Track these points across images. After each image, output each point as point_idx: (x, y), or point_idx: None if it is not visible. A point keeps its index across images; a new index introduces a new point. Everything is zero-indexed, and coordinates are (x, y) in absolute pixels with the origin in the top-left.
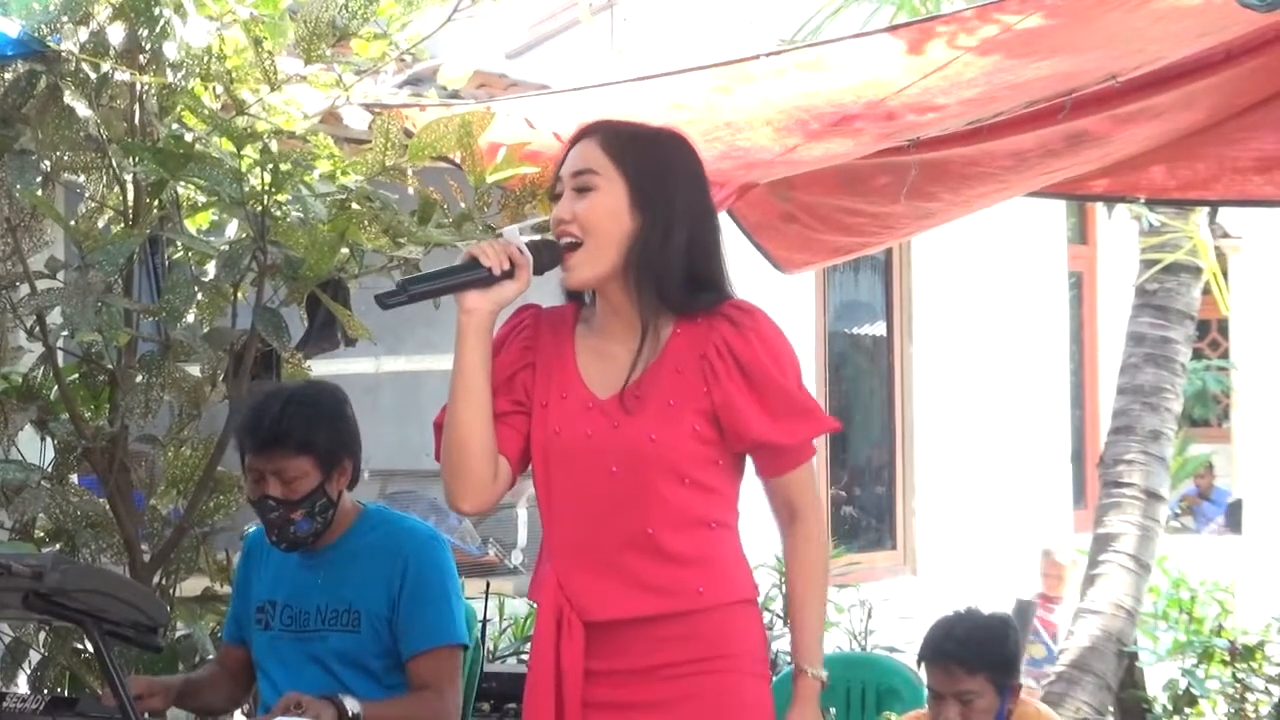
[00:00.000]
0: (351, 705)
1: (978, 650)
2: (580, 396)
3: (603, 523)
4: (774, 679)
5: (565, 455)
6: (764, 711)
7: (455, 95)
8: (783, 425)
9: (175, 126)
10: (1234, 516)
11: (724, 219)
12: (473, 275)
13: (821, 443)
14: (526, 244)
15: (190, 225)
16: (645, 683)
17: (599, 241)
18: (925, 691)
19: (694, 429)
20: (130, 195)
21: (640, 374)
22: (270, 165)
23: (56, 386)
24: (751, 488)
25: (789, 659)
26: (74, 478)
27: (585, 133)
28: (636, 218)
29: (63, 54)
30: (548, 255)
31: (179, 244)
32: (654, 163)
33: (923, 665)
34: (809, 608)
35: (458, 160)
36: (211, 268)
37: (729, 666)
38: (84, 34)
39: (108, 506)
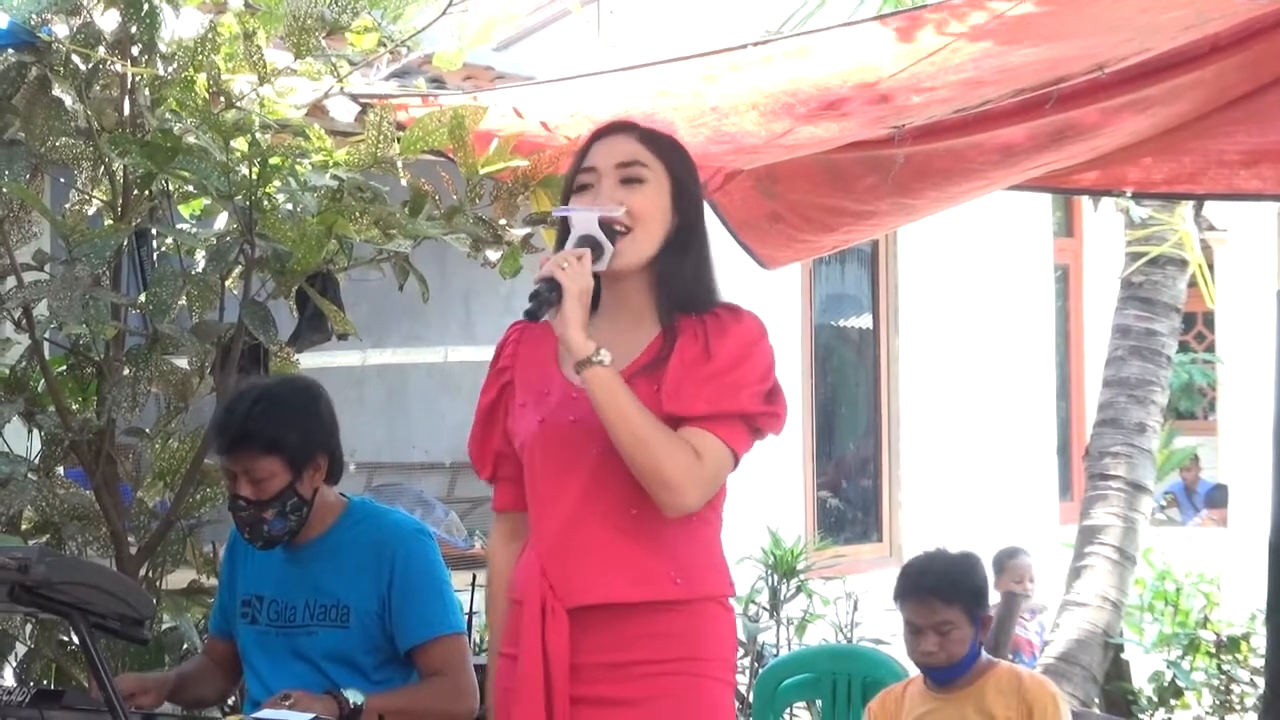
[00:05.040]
0: (354, 697)
1: (953, 582)
2: (562, 387)
3: (587, 506)
4: (761, 671)
5: (550, 442)
6: (725, 718)
7: (441, 85)
8: (687, 396)
9: (168, 117)
10: (1216, 498)
11: (707, 213)
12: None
13: (807, 435)
14: (580, 239)
15: (185, 210)
16: (619, 679)
17: (647, 231)
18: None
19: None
20: (119, 187)
21: (628, 365)
22: (258, 158)
23: (43, 379)
24: (736, 486)
25: (774, 650)
26: (60, 470)
27: (616, 129)
28: (674, 216)
29: (53, 44)
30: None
31: (167, 235)
32: (687, 164)
33: (899, 603)
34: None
35: (449, 152)
36: (200, 259)
37: (698, 670)
38: (75, 24)
39: (94, 499)
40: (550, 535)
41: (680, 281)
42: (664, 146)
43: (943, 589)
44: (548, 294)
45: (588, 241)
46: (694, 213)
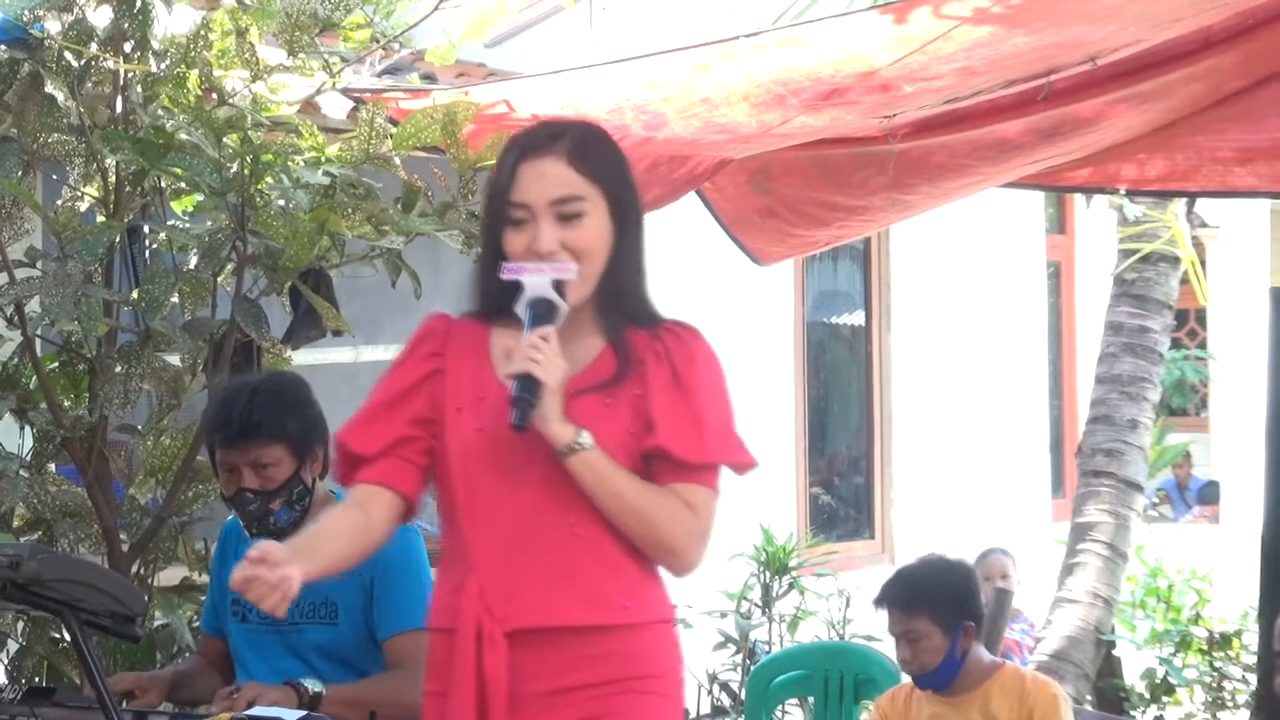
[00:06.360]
0: (312, 685)
1: (917, 591)
2: (498, 391)
3: (530, 524)
4: (753, 668)
5: (490, 454)
6: None
7: (433, 81)
8: (687, 439)
9: (160, 114)
10: (1208, 495)
11: (700, 209)
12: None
13: (800, 432)
14: (531, 301)
15: (177, 207)
16: (560, 705)
17: (592, 263)
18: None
19: (629, 431)
20: (111, 184)
21: (577, 374)
22: (250, 155)
23: (35, 375)
24: (729, 483)
25: (766, 648)
26: (52, 467)
27: (542, 149)
28: (614, 234)
29: (45, 41)
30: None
31: (160, 232)
32: (619, 170)
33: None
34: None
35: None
36: (193, 256)
37: (645, 688)
38: (67, 21)
39: (86, 496)
40: (491, 554)
41: (624, 295)
42: (596, 163)
43: (905, 599)
44: (529, 397)
45: (543, 306)
46: (634, 223)
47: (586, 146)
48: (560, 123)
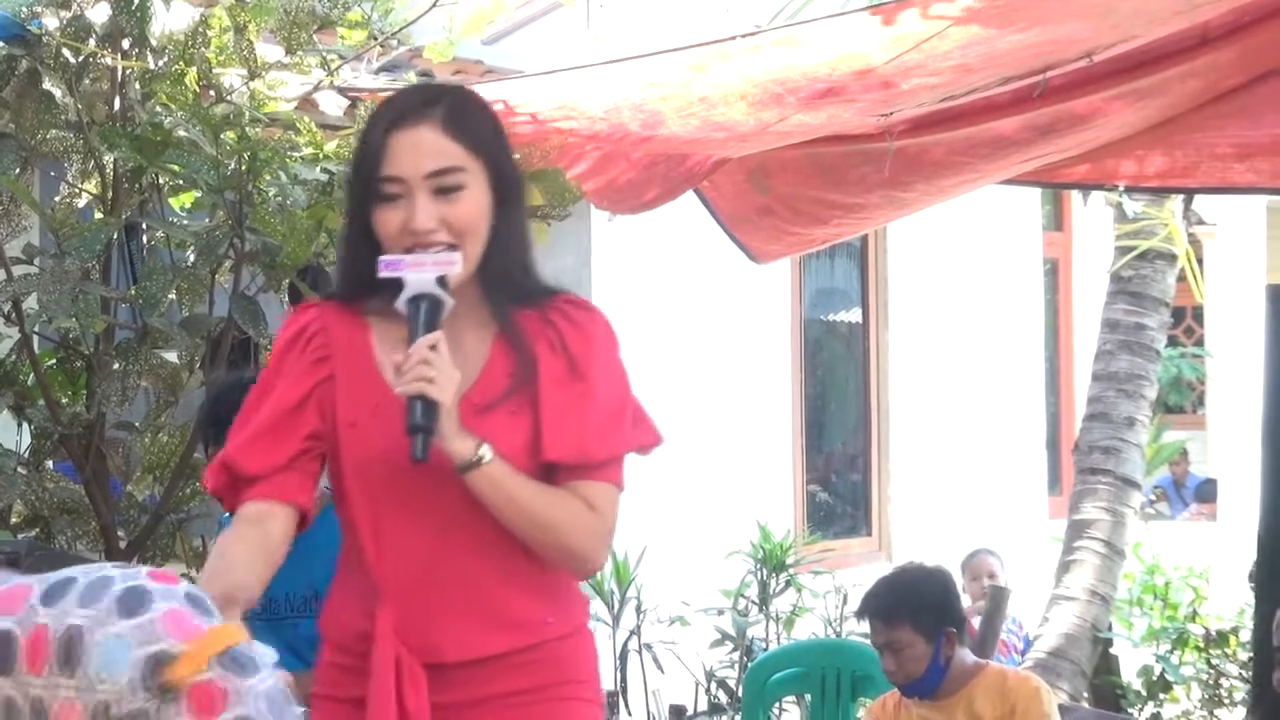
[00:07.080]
0: None
1: (894, 602)
2: (393, 405)
3: (441, 552)
4: (750, 666)
5: (392, 480)
6: None
7: (431, 79)
8: (580, 441)
9: (158, 111)
10: (1205, 492)
11: (699, 207)
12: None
13: (797, 429)
14: (414, 298)
15: (175, 204)
16: (482, 714)
17: (474, 240)
18: None
19: (531, 435)
20: (109, 181)
21: (473, 382)
22: (248, 152)
23: (33, 372)
24: (726, 481)
25: (763, 645)
26: (50, 464)
27: (414, 116)
28: (495, 207)
29: (43, 37)
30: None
31: (158, 229)
32: (498, 138)
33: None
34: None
35: None
36: (191, 253)
37: (571, 694)
38: (65, 17)
39: (84, 493)
40: (402, 587)
41: (509, 272)
42: (472, 130)
43: (884, 610)
44: (428, 424)
45: (429, 304)
46: (514, 195)
47: (463, 113)
48: (432, 87)
